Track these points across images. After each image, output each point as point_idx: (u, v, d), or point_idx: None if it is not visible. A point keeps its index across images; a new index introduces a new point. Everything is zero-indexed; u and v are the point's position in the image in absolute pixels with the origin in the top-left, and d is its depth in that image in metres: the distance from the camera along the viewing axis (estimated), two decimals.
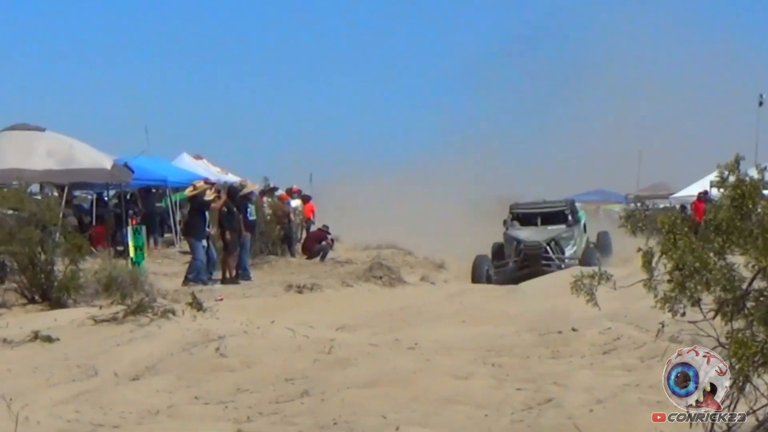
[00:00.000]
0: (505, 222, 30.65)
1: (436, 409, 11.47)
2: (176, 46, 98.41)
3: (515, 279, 27.44)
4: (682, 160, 60.74)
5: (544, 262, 28.47)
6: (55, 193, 32.09)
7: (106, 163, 32.06)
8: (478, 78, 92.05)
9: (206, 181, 31.47)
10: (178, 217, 37.01)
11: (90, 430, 11.09)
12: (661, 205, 52.33)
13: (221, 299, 20.88)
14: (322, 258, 35.93)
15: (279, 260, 34.57)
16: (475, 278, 28.74)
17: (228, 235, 28.28)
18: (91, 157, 31.84)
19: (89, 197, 38.42)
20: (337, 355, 14.04)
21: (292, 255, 36.61)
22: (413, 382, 12.59)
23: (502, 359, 13.90)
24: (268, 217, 35.35)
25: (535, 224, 30.19)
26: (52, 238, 23.05)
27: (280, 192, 40.72)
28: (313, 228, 39.56)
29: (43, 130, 32.37)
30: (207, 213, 28.13)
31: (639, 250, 8.94)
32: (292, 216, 38.12)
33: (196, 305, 16.79)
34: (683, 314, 9.00)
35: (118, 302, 16.99)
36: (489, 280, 28.39)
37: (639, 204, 55.68)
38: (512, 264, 29.15)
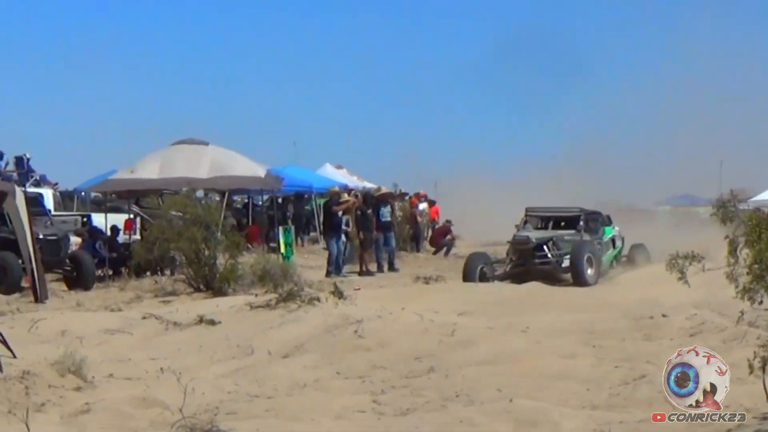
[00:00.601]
0: (517, 225, 28.29)
1: (544, 383, 11.48)
2: (324, 69, 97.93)
3: (511, 277, 25.35)
4: (761, 168, 59.56)
5: (537, 260, 25.55)
6: (217, 198, 32.48)
7: (260, 171, 32.27)
8: (587, 90, 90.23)
9: (344, 188, 31.73)
10: (321, 219, 37.23)
11: (247, 401, 11.21)
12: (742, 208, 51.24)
13: (359, 289, 20.94)
14: (446, 253, 36.08)
15: (408, 256, 34.78)
16: (466, 277, 24.93)
17: (362, 235, 28.65)
18: (247, 167, 32.06)
19: (246, 201, 38.70)
20: (459, 337, 14.05)
21: (419, 251, 36.90)
22: (525, 360, 12.62)
23: (602, 341, 13.83)
24: (399, 219, 35.54)
25: (545, 228, 28.43)
26: (215, 236, 23.40)
27: (410, 196, 40.86)
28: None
29: (206, 144, 32.71)
30: (339, 215, 28.56)
31: (726, 237, 8.96)
32: (419, 217, 38.32)
33: (338, 294, 16.87)
34: (760, 302, 8.96)
35: (270, 291, 17.12)
36: (483, 278, 24.94)
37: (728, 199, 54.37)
38: (508, 261, 26.13)
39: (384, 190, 33.51)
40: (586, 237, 25.98)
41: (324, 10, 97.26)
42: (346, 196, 30.39)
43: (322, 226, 32.75)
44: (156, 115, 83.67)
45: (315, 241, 36.76)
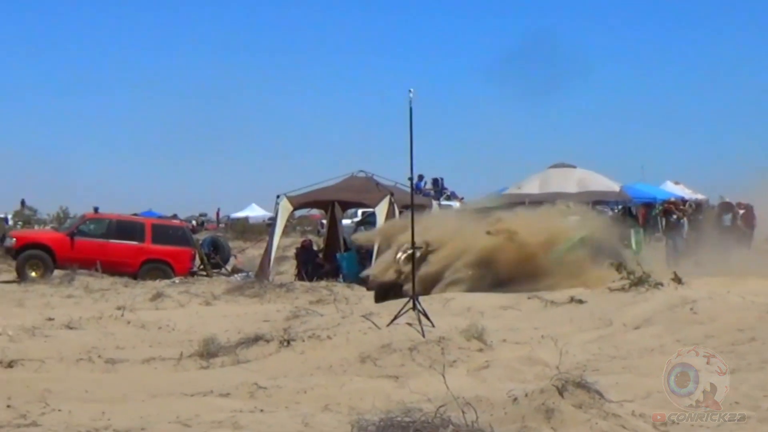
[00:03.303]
0: None
1: None
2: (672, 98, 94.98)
3: None
4: None
5: None
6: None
7: (615, 187, 32.30)
8: None
9: (680, 199, 30.97)
10: (662, 223, 36.46)
11: (608, 361, 11.12)
12: None
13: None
14: None
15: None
16: None
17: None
18: (605, 184, 32.16)
19: (606, 210, 38.41)
20: None
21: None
22: None
23: None
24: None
25: None
26: None
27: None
28: None
29: (574, 167, 32.98)
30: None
31: None
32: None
33: (677, 280, 16.55)
34: None
35: (625, 278, 16.93)
36: None
37: None
38: None
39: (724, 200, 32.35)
40: None
41: None
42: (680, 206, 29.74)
43: (663, 229, 32.08)
44: (531, 144, 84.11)
45: (659, 239, 35.95)
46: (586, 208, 25.64)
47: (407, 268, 15.16)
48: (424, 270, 17.92)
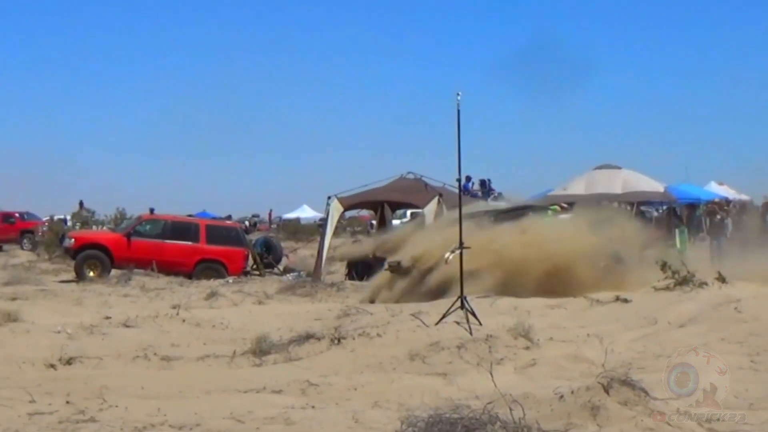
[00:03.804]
0: None
1: None
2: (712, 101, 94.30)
3: None
4: None
5: None
6: (628, 208, 32.24)
7: (660, 188, 32.21)
8: None
9: (724, 200, 30.70)
10: (707, 223, 36.17)
11: (652, 359, 11.02)
12: None
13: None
14: None
15: None
16: None
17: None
18: (649, 184, 32.14)
19: (651, 210, 38.11)
20: None
21: None
22: None
23: None
24: None
25: None
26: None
27: None
28: None
29: (619, 168, 32.98)
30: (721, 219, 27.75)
31: None
32: None
33: (721, 279, 16.37)
34: None
35: (670, 277, 16.80)
36: None
37: None
38: None
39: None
40: None
41: None
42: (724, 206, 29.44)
43: (707, 229, 31.83)
44: (577, 145, 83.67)
45: (703, 239, 35.61)
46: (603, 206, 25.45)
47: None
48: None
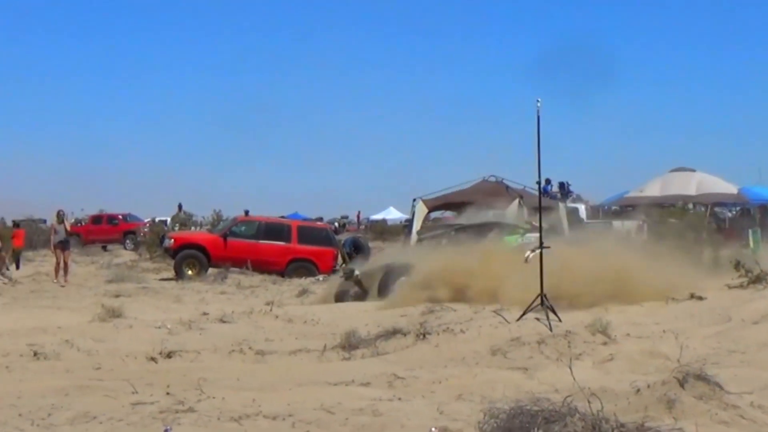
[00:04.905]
0: None
1: None
2: None
3: None
4: None
5: None
6: (702, 209, 31.84)
7: (733, 190, 31.94)
8: None
9: None
10: None
11: (726, 355, 10.83)
12: None
13: None
14: None
15: None
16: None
17: None
18: (723, 187, 31.88)
19: (725, 212, 37.55)
20: None
21: None
22: None
23: None
24: None
25: None
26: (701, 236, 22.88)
27: None
28: None
29: (694, 170, 32.72)
30: None
31: None
32: None
33: None
34: None
35: (743, 276, 16.49)
36: None
37: None
38: None
39: None
40: None
41: None
42: None
43: None
44: (651, 150, 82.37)
45: None
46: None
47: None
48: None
